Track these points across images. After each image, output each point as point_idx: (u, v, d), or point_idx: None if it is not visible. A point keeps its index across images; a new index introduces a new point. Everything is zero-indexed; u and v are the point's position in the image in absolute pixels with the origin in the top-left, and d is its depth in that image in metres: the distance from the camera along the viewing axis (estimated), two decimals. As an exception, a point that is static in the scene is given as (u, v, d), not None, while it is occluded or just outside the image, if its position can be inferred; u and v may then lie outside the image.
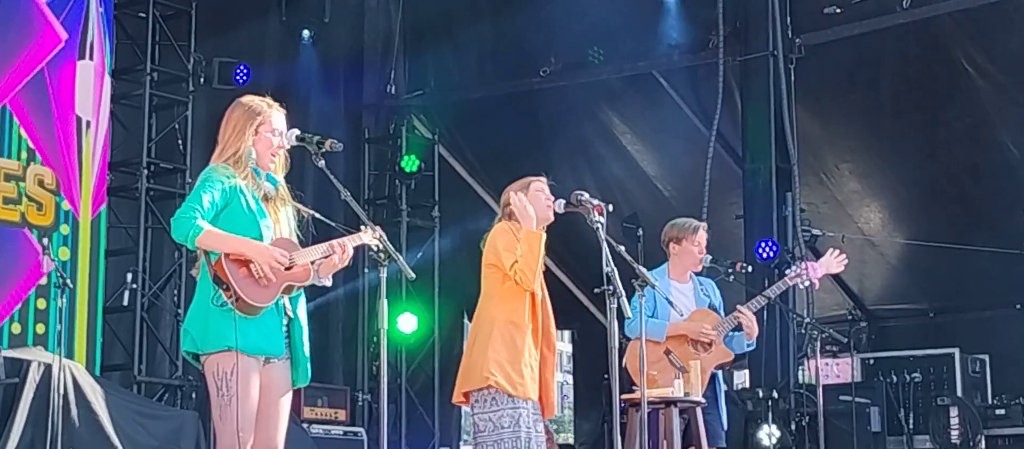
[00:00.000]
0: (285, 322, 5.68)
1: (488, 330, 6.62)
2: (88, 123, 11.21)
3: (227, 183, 5.57)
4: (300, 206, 5.86)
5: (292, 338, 5.73)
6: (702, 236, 8.25)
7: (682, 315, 8.00)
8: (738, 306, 8.13)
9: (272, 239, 5.63)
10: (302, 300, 5.79)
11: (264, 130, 5.70)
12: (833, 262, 8.45)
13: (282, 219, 5.74)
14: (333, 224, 5.95)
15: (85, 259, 11.05)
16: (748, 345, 8.23)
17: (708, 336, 8.00)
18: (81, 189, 11.09)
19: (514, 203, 6.76)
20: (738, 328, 8.11)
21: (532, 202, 6.81)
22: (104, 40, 11.36)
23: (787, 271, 8.48)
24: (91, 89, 11.24)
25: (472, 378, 6.61)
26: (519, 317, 6.65)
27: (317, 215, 5.91)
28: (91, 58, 11.25)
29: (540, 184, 6.91)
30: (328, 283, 5.91)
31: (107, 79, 11.41)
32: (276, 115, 5.75)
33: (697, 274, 8.38)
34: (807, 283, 8.48)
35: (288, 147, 5.79)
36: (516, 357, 6.58)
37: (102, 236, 11.26)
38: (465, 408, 7.00)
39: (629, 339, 7.97)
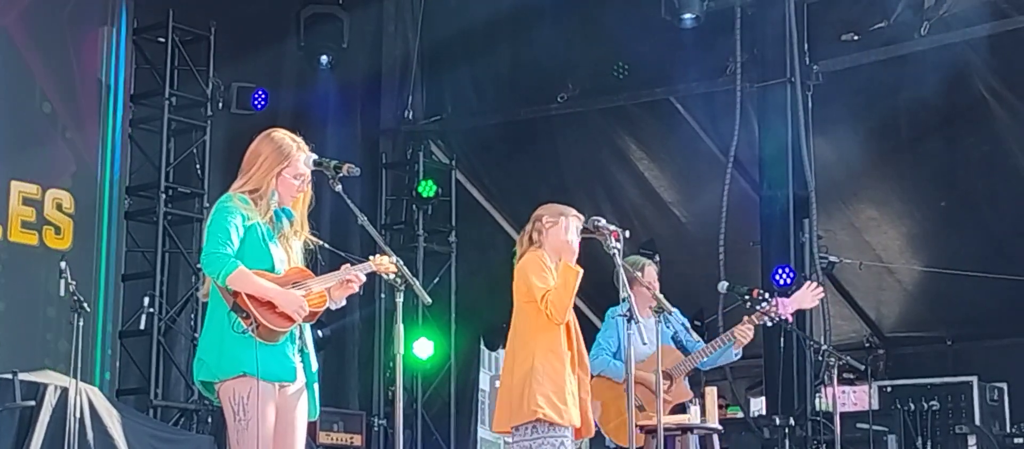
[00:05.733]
0: (297, 348, 5.69)
1: (529, 362, 6.65)
2: (110, 87, 11.26)
3: (248, 220, 5.60)
4: (309, 237, 5.87)
5: (304, 368, 5.73)
6: (650, 272, 8.16)
7: (646, 343, 7.96)
8: (735, 328, 8.15)
9: (285, 269, 5.65)
10: (308, 331, 5.79)
11: (288, 173, 5.72)
12: (808, 296, 8.36)
13: (293, 250, 5.77)
14: (343, 254, 5.96)
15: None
16: (735, 354, 8.23)
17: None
18: (103, 152, 11.14)
19: (558, 233, 6.78)
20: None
21: (567, 232, 6.83)
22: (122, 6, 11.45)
23: (756, 308, 8.35)
24: (112, 54, 11.30)
25: (520, 411, 6.63)
26: (557, 346, 6.69)
27: (326, 246, 5.92)
28: (113, 25, 11.33)
29: (578, 221, 6.92)
30: (343, 303, 5.92)
31: (128, 43, 11.50)
32: (303, 157, 5.75)
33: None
34: (775, 320, 8.39)
35: (307, 190, 5.82)
36: (560, 387, 6.63)
37: (120, 198, 11.33)
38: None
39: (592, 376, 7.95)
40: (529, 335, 6.71)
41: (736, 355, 8.29)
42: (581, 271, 6.70)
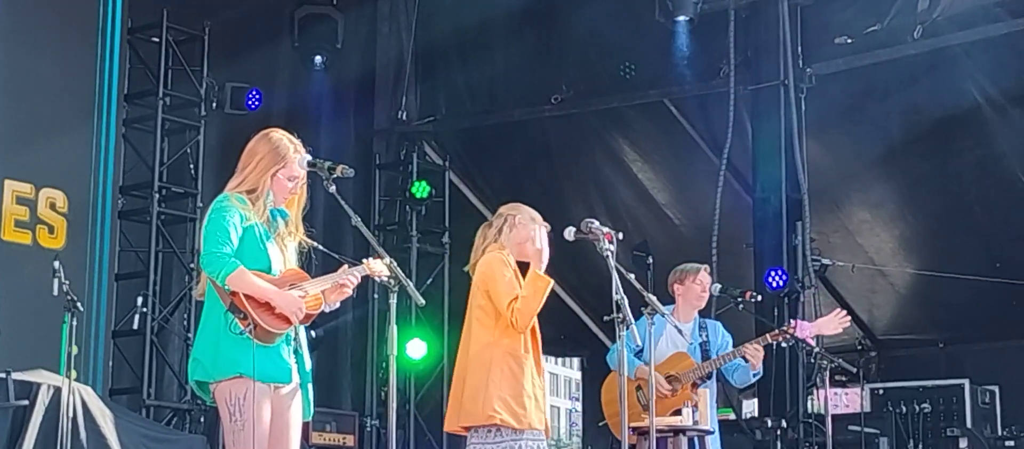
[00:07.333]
0: (292, 349, 5.70)
1: (487, 363, 6.62)
2: (103, 86, 11.41)
3: (246, 220, 5.61)
4: (303, 237, 5.88)
5: (298, 369, 5.74)
6: (704, 277, 8.33)
7: (685, 340, 8.07)
8: (746, 345, 8.21)
9: (281, 271, 5.66)
10: (302, 332, 5.80)
11: (284, 175, 5.73)
12: (833, 322, 8.44)
13: (288, 250, 5.78)
14: (337, 256, 5.97)
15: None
16: (755, 375, 8.29)
17: (663, 388, 8.01)
18: (97, 152, 11.25)
19: (534, 239, 6.76)
20: (744, 359, 8.19)
21: (538, 242, 6.82)
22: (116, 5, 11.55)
23: (776, 328, 8.45)
24: (106, 53, 11.42)
25: (475, 413, 6.60)
26: (517, 349, 6.67)
27: (321, 247, 5.93)
28: (107, 23, 11.42)
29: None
30: (337, 306, 5.94)
31: (122, 42, 11.56)
32: (299, 159, 5.76)
33: (703, 315, 8.45)
34: (792, 342, 8.49)
35: (301, 191, 5.83)
36: (518, 390, 6.59)
37: (113, 197, 11.42)
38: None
39: (609, 370, 8.09)
40: (489, 336, 6.69)
41: (755, 375, 8.35)
42: (551, 282, 6.69)
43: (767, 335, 8.31)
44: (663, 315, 7.19)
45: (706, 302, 8.50)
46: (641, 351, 7.88)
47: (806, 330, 8.34)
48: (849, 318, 8.58)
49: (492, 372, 6.58)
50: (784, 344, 8.62)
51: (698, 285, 8.33)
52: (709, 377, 8.24)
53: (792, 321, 8.57)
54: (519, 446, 6.59)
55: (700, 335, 8.30)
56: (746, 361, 8.20)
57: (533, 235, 6.80)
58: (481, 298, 6.75)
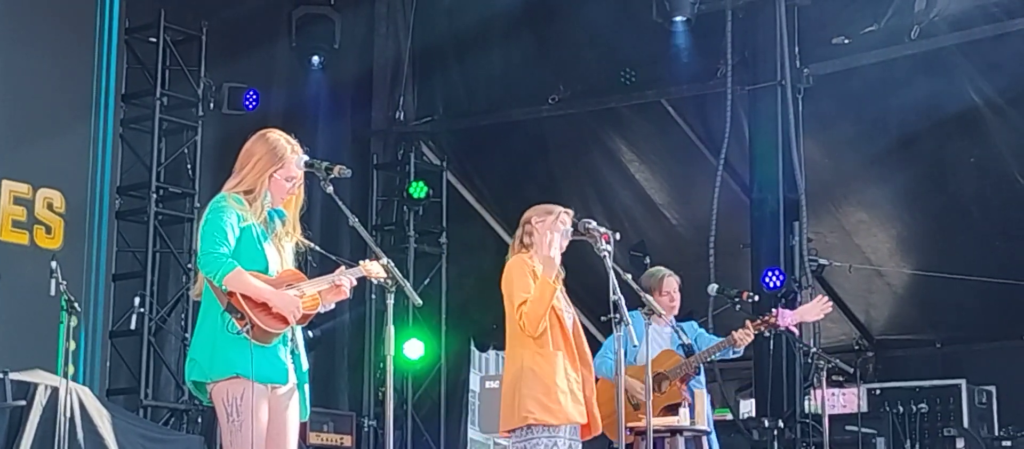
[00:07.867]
0: (288, 349, 5.70)
1: (519, 365, 6.65)
2: (101, 86, 11.46)
3: (243, 221, 5.61)
4: (300, 238, 5.88)
5: (294, 369, 5.74)
6: (669, 283, 8.31)
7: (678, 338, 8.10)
8: (736, 332, 8.21)
9: (278, 271, 5.66)
10: (299, 332, 5.80)
11: (281, 175, 5.72)
12: (814, 308, 8.43)
13: (286, 251, 5.78)
14: (334, 257, 5.97)
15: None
16: (736, 352, 8.32)
17: (636, 396, 7.97)
18: (94, 152, 11.23)
19: (542, 241, 6.73)
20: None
21: (550, 247, 6.79)
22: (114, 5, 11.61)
23: (758, 317, 8.45)
24: (104, 53, 11.48)
25: (513, 417, 6.64)
26: (545, 347, 6.67)
27: (317, 248, 5.93)
28: (104, 24, 11.46)
29: (566, 217, 6.89)
30: (332, 307, 5.93)
31: (120, 42, 11.58)
32: (296, 160, 5.76)
33: (678, 319, 8.48)
34: (774, 331, 8.52)
35: (298, 192, 5.83)
36: (549, 387, 6.60)
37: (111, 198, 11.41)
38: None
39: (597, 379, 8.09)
40: (517, 338, 6.71)
41: (735, 353, 8.36)
42: (558, 287, 6.67)
43: (752, 324, 8.29)
44: (660, 315, 7.20)
45: (678, 306, 8.48)
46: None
47: (788, 318, 8.32)
48: (831, 304, 8.56)
49: (523, 374, 6.61)
50: (767, 333, 8.59)
51: (666, 297, 8.31)
52: (698, 372, 8.24)
53: (774, 310, 8.53)
54: (552, 442, 6.60)
55: (680, 337, 8.29)
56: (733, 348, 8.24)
57: (546, 239, 6.75)
58: (507, 303, 6.76)
